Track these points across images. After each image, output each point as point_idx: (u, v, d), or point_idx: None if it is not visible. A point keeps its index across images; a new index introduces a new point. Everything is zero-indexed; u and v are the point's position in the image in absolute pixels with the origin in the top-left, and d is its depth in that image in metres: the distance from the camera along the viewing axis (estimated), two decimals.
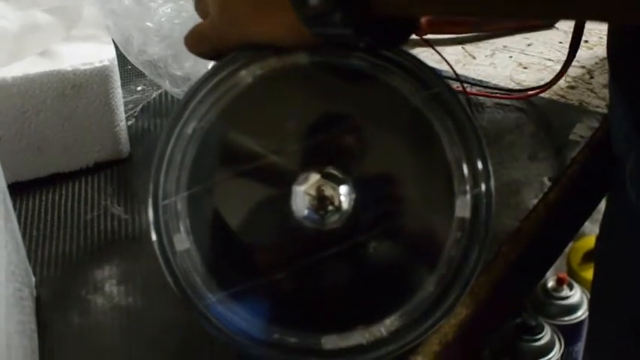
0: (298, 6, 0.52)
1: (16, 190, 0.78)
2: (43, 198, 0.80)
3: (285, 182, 0.59)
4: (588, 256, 1.59)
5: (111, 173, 0.82)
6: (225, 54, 0.60)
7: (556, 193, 0.76)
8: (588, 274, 1.49)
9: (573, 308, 1.45)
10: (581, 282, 1.52)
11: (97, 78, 0.78)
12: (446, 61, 0.84)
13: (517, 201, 0.74)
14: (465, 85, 0.84)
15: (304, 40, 0.56)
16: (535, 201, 0.74)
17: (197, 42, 0.63)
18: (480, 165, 0.56)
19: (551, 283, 1.47)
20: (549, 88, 0.84)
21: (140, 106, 0.90)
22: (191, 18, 0.81)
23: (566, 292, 1.46)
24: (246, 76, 0.59)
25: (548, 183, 0.76)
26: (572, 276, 1.56)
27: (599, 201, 0.88)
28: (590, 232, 1.52)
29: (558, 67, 0.84)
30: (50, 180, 0.81)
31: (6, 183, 0.66)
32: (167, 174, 0.59)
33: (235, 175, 0.59)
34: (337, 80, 0.60)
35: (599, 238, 0.85)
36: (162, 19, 0.80)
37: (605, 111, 0.83)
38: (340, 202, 0.58)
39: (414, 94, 0.57)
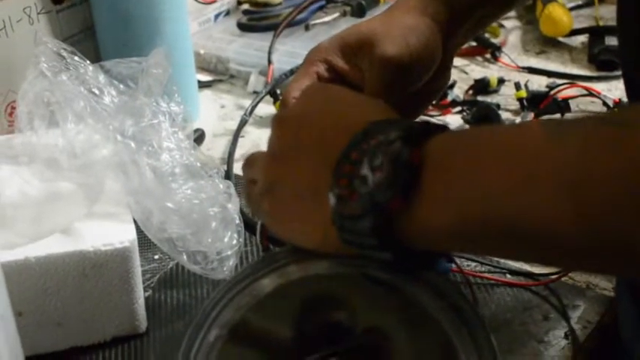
0: (336, 203, 0.54)
1: None
2: None
3: None
4: None
5: (128, 349, 0.83)
6: None
7: None
8: None
9: None
10: None
11: (118, 258, 0.80)
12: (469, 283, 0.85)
13: None
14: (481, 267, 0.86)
15: (328, 247, 0.58)
16: None
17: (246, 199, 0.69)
18: None
19: None
20: (564, 276, 0.86)
21: (157, 276, 0.92)
22: (209, 199, 0.84)
23: None
24: (267, 285, 0.61)
25: None
26: None
27: None
28: None
29: None
30: (67, 354, 0.83)
31: (25, 356, 0.68)
32: None
33: None
34: (355, 289, 0.62)
35: None
36: (182, 200, 0.83)
37: (612, 294, 0.85)
38: None
39: (431, 303, 0.59)
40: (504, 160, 0.49)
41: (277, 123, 0.64)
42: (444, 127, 0.54)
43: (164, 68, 0.88)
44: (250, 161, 0.68)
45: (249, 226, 0.93)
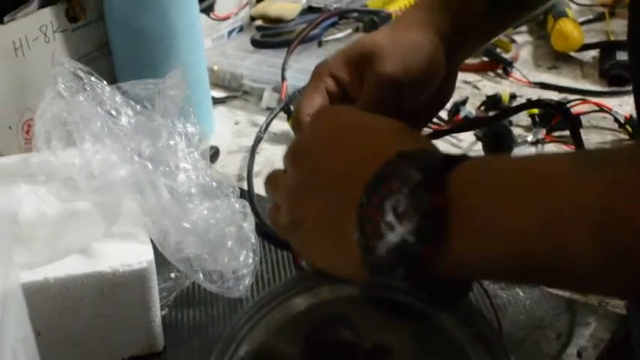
0: (365, 252, 0.55)
1: None
2: None
3: None
4: None
5: None
6: None
7: None
8: None
9: None
10: None
11: (135, 279, 0.81)
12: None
13: None
14: None
15: (359, 277, 0.58)
16: None
17: (273, 224, 0.69)
18: None
19: None
20: None
21: (174, 294, 0.93)
22: (225, 218, 0.85)
23: None
24: (300, 303, 0.62)
25: None
26: None
27: None
28: None
29: None
30: None
31: None
32: None
33: None
34: (384, 313, 0.62)
35: None
36: (199, 220, 0.84)
37: (624, 312, 0.86)
38: None
39: (458, 330, 0.60)
40: (530, 199, 0.49)
41: (291, 159, 0.64)
42: (463, 157, 0.54)
43: (181, 90, 0.90)
44: (272, 182, 0.69)
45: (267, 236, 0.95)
